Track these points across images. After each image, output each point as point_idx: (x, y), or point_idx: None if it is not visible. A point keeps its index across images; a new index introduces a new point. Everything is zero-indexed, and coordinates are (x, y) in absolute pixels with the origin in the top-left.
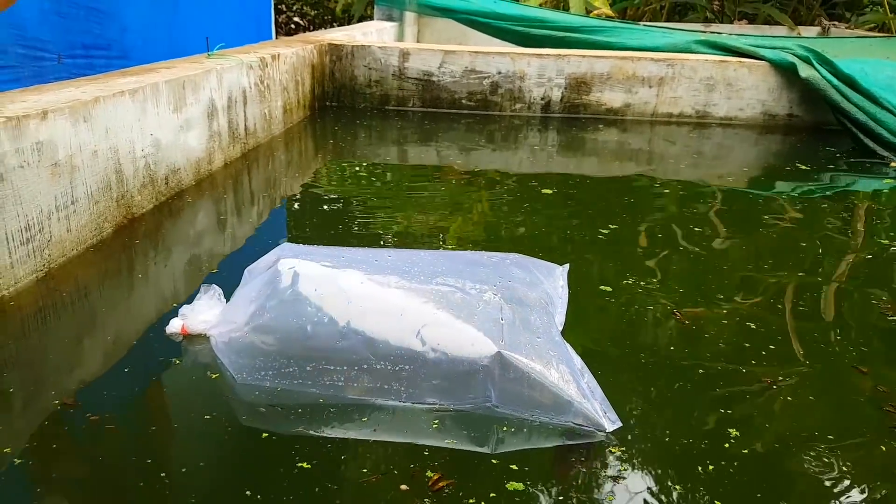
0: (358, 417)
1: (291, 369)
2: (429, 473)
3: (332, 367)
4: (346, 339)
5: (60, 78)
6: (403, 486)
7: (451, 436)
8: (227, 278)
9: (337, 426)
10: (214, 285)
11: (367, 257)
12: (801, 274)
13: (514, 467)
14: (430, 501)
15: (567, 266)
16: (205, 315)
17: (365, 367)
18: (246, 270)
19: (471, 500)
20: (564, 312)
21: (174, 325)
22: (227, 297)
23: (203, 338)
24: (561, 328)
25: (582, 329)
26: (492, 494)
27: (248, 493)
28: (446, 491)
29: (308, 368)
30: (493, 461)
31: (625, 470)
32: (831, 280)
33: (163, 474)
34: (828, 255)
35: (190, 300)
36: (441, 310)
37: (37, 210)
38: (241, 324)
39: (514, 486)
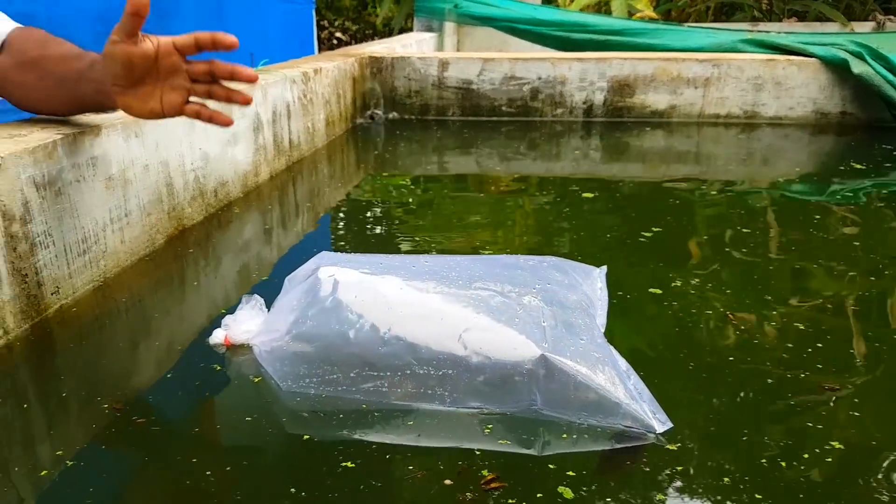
0: (402, 422)
1: (335, 376)
2: (484, 472)
3: (375, 373)
4: (388, 345)
5: None
6: (448, 481)
7: (498, 438)
8: (276, 285)
9: (381, 430)
10: (256, 295)
11: (405, 263)
12: (858, 276)
13: (563, 470)
14: (477, 495)
15: (604, 268)
16: (247, 325)
17: (408, 372)
18: (286, 279)
19: (522, 501)
20: (605, 314)
21: (217, 336)
22: (271, 305)
23: (246, 348)
24: (602, 330)
25: (624, 331)
26: (538, 495)
27: (292, 490)
28: (495, 493)
29: (352, 375)
30: (542, 463)
31: (677, 472)
32: (892, 282)
33: (208, 472)
34: (887, 257)
35: (233, 310)
36: (482, 314)
37: (92, 222)
38: (283, 332)
39: (563, 489)
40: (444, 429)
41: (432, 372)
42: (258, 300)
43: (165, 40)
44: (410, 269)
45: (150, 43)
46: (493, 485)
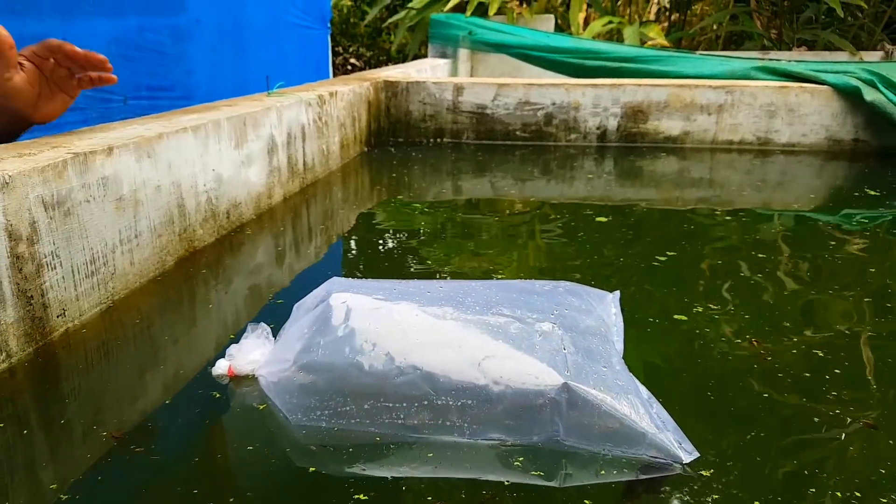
0: (418, 454)
1: (348, 408)
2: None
3: (390, 405)
4: (404, 375)
5: (126, 119)
6: (468, 496)
7: (519, 470)
8: (287, 310)
9: (396, 463)
10: (262, 324)
11: (419, 289)
12: (875, 302)
13: (589, 502)
14: (491, 491)
15: (618, 293)
16: (253, 355)
17: (425, 402)
18: (295, 306)
19: None
20: (622, 340)
21: (221, 367)
22: (279, 332)
23: (251, 378)
24: (621, 356)
25: (641, 357)
26: None
27: (282, 483)
28: None
29: (366, 406)
30: (566, 496)
31: (705, 503)
32: None
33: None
34: None
35: (238, 339)
36: (500, 341)
37: (101, 244)
38: (292, 362)
39: None
40: (464, 461)
41: (451, 402)
42: (264, 328)
43: (47, 63)
44: (425, 295)
45: (29, 65)
46: None
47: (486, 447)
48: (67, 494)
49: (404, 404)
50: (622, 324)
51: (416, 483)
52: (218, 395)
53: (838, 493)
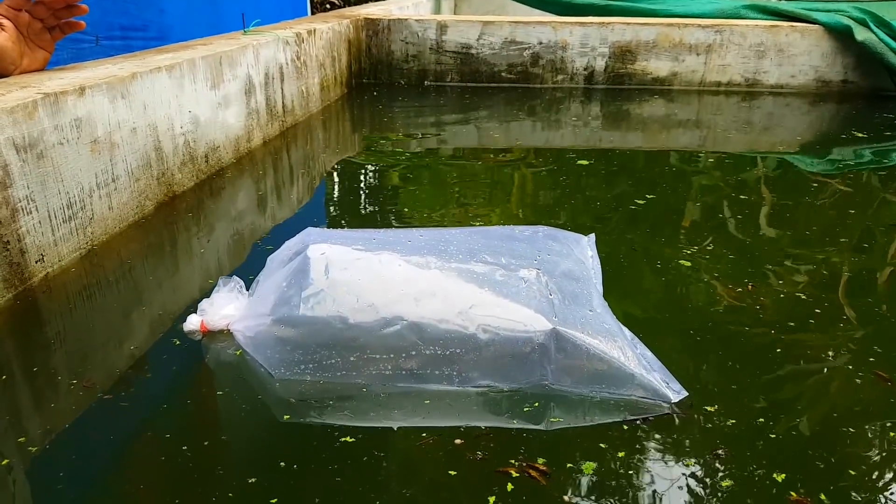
0: (406, 402)
1: (334, 361)
2: (491, 445)
3: (377, 356)
4: (390, 326)
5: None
6: (458, 441)
7: (508, 415)
8: (270, 254)
9: (384, 410)
10: (235, 277)
11: (399, 238)
12: (855, 245)
13: (580, 443)
14: (484, 453)
15: (593, 236)
16: (226, 309)
17: (413, 353)
18: (269, 258)
19: (544, 475)
20: (601, 283)
21: (192, 322)
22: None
23: (226, 334)
24: (602, 299)
25: (619, 299)
26: (554, 468)
27: (282, 464)
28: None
29: (352, 359)
30: (554, 439)
31: (692, 441)
32: (886, 252)
33: (184, 447)
34: (883, 225)
35: (209, 294)
36: (486, 289)
37: (78, 188)
38: (273, 317)
39: (585, 464)
40: (452, 408)
41: (439, 352)
42: (237, 282)
43: (22, 17)
44: (406, 245)
45: (8, 23)
46: (533, 472)
47: (475, 394)
48: (36, 441)
49: (391, 355)
50: (599, 266)
51: (405, 427)
52: (195, 348)
53: (817, 426)
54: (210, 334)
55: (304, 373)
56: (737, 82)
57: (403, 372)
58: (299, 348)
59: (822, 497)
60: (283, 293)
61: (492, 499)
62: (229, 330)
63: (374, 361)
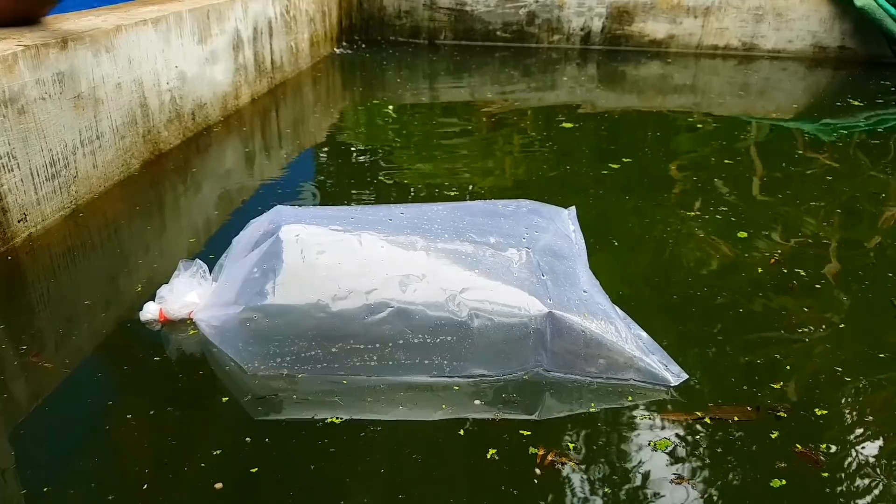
0: (393, 396)
1: (313, 353)
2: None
3: (361, 346)
4: (376, 313)
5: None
6: (451, 433)
7: (503, 406)
8: (258, 215)
9: (369, 407)
10: (198, 260)
11: (380, 216)
12: (842, 212)
13: (573, 433)
14: (472, 428)
15: (573, 208)
16: (188, 296)
17: (401, 342)
18: (234, 240)
19: (534, 466)
20: (586, 257)
21: (150, 311)
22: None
23: (188, 323)
24: (591, 275)
25: (604, 272)
26: (554, 457)
27: (253, 470)
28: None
29: (333, 350)
30: (550, 430)
31: (694, 419)
32: (876, 216)
33: (129, 416)
34: (868, 192)
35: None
36: (477, 271)
37: (61, 145)
38: (243, 305)
39: (584, 452)
40: (441, 401)
41: (428, 340)
42: (200, 266)
43: None
44: (387, 223)
45: None
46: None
47: (468, 384)
48: None
49: (377, 345)
50: (583, 240)
51: (391, 423)
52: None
53: (803, 383)
54: (170, 324)
55: (281, 366)
56: (734, 46)
57: (391, 363)
58: (274, 340)
59: (823, 447)
60: (254, 279)
61: (489, 494)
62: (192, 319)
63: (359, 352)
